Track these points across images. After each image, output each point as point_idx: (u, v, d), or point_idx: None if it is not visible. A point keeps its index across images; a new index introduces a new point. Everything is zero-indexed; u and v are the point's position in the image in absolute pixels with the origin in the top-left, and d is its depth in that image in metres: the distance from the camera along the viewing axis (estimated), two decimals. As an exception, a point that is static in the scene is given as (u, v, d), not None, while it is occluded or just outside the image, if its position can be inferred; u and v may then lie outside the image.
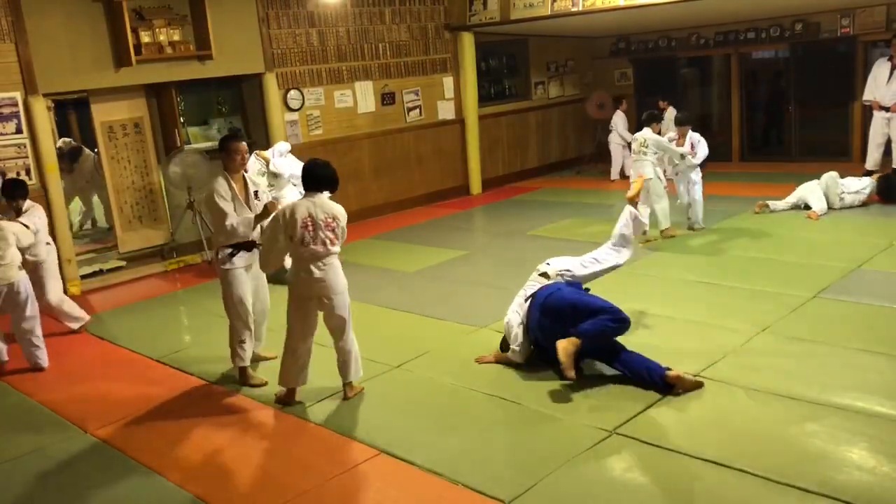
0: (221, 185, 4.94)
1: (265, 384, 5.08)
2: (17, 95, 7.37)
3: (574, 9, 9.65)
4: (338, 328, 4.69)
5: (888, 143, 9.88)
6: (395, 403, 4.65)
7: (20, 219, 5.95)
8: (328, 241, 4.53)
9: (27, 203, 6.11)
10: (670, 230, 8.09)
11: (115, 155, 8.65)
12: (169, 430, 4.67)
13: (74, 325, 6.59)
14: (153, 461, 4.25)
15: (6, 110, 7.34)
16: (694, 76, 13.51)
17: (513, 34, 11.89)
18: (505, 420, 4.38)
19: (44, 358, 5.81)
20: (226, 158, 5.01)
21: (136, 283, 8.21)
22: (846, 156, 11.43)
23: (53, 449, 4.53)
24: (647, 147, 8.01)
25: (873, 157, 10.03)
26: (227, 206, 4.91)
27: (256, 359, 5.42)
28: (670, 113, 11.61)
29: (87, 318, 6.69)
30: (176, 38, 8.31)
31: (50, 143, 7.70)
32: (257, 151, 7.87)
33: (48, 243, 6.34)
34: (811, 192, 8.78)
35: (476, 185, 11.73)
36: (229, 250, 5.00)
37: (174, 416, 4.87)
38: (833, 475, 3.55)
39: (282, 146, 7.89)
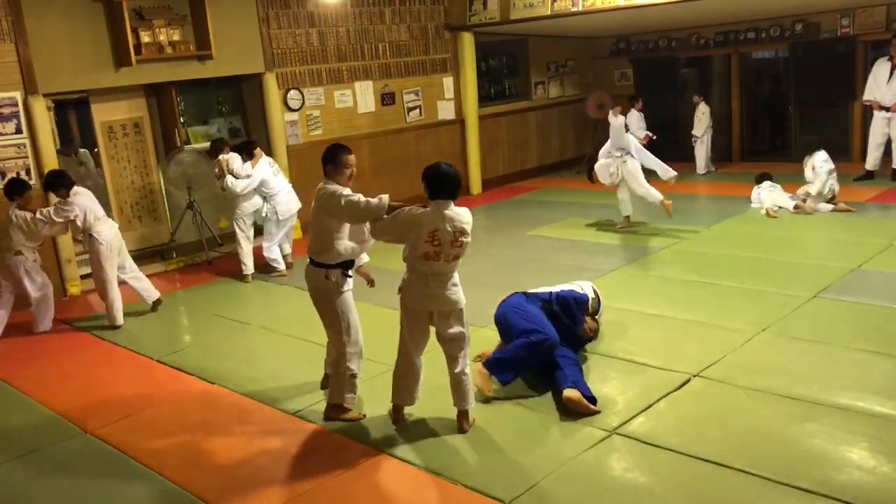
0: (338, 187, 4.33)
1: (363, 417, 4.57)
2: (17, 95, 7.37)
3: (574, 9, 9.65)
4: (451, 350, 4.26)
5: (888, 143, 9.89)
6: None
7: (48, 208, 6.52)
8: (453, 258, 4.12)
9: (73, 190, 6.47)
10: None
11: (114, 155, 8.65)
12: (169, 430, 4.67)
13: (110, 320, 6.70)
14: (153, 461, 4.25)
15: (6, 110, 7.34)
16: (694, 76, 13.50)
17: (513, 34, 11.89)
18: (505, 420, 4.38)
19: (46, 320, 6.74)
20: (333, 171, 4.38)
21: (136, 283, 8.20)
22: (846, 156, 11.40)
23: (53, 449, 4.53)
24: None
25: (873, 157, 10.04)
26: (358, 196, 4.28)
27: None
28: (702, 108, 11.65)
29: (118, 323, 6.65)
30: (176, 38, 8.31)
31: (50, 143, 7.69)
32: (221, 157, 7.84)
33: (91, 235, 6.46)
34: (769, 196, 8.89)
35: (476, 185, 11.73)
36: (339, 270, 4.42)
37: (174, 416, 4.87)
38: (833, 475, 3.55)
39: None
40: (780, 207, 8.76)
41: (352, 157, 4.44)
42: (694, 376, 4.70)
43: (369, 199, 4.21)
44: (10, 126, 7.38)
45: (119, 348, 6.23)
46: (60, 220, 6.42)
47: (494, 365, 4.56)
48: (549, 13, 9.98)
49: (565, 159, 13.43)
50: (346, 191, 4.31)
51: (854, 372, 4.61)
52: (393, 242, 4.23)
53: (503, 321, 4.96)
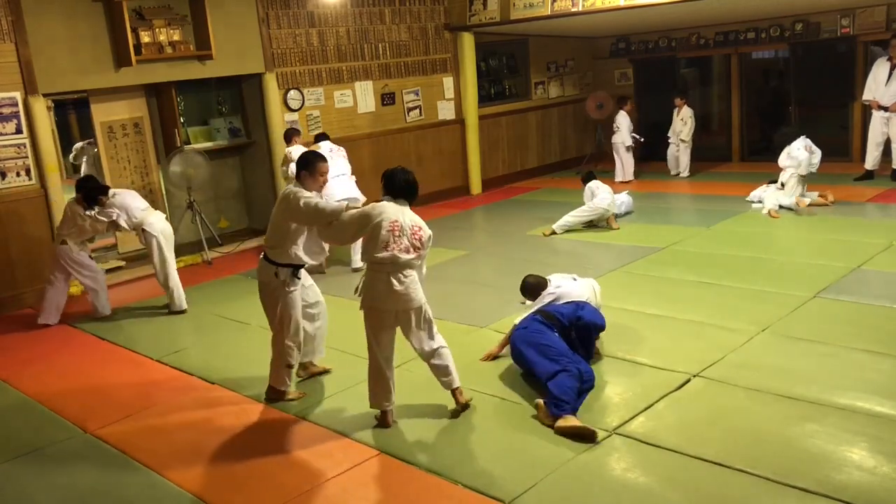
0: (303, 191, 4.49)
1: (303, 396, 4.88)
2: (17, 95, 7.37)
3: (574, 9, 9.65)
4: (419, 344, 4.36)
5: (887, 142, 9.89)
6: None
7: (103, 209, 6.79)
8: (411, 250, 4.21)
9: (110, 192, 6.81)
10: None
11: (114, 155, 8.66)
12: (169, 430, 4.67)
13: (174, 307, 6.99)
14: (153, 461, 4.25)
15: (6, 110, 7.33)
16: (694, 76, 13.51)
17: (513, 34, 11.89)
18: (505, 420, 4.38)
19: (103, 305, 7.05)
20: (308, 178, 4.54)
21: (136, 283, 8.21)
22: (846, 156, 11.43)
23: (53, 449, 4.53)
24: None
25: (873, 157, 10.06)
26: (322, 202, 4.47)
27: (313, 373, 5.17)
28: (685, 112, 11.61)
29: (183, 307, 6.98)
30: (176, 38, 8.31)
31: (50, 142, 7.70)
32: (287, 149, 7.98)
33: (143, 229, 6.79)
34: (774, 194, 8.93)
35: (476, 185, 11.73)
36: (290, 269, 4.64)
37: (174, 416, 4.87)
38: (833, 475, 3.55)
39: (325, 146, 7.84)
40: (781, 207, 8.77)
41: (326, 166, 4.67)
42: (694, 376, 4.70)
43: (327, 203, 4.48)
44: (10, 126, 7.38)
45: (119, 348, 6.23)
46: (104, 218, 6.75)
47: (558, 406, 4.21)
48: (549, 13, 9.97)
49: (565, 159, 13.44)
50: (307, 194, 4.49)
51: (854, 372, 4.61)
52: (348, 241, 4.48)
53: (523, 347, 4.73)
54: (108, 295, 7.12)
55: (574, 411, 4.19)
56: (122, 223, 6.77)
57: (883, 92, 9.77)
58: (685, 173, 11.71)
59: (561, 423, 4.12)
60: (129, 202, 6.80)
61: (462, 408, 4.47)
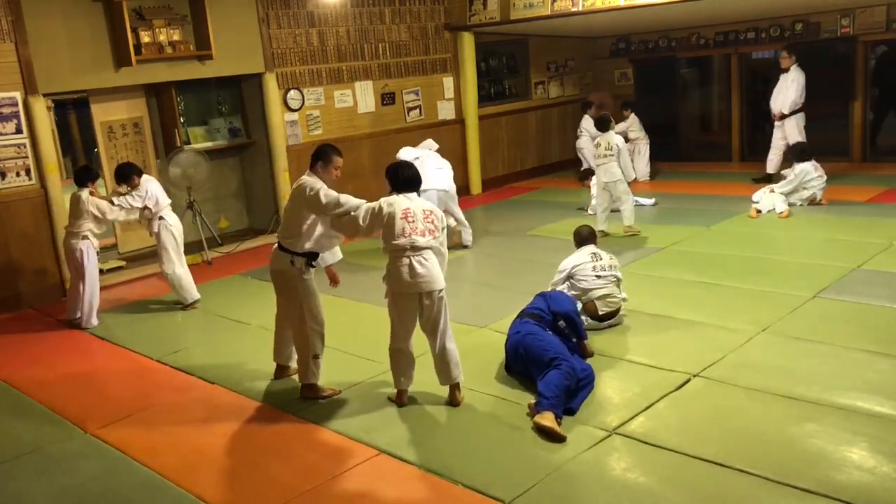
0: (320, 182, 4.58)
1: (339, 393, 4.87)
2: (17, 95, 7.37)
3: (574, 9, 9.65)
4: (434, 328, 4.49)
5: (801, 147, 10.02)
6: (395, 403, 4.65)
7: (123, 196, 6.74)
8: (428, 232, 4.38)
9: (143, 177, 6.77)
10: (633, 228, 8.32)
11: (114, 155, 8.65)
12: (169, 430, 4.67)
13: (186, 300, 7.03)
14: (153, 461, 4.25)
15: (6, 110, 7.33)
16: (694, 76, 13.50)
17: (513, 34, 11.89)
18: (505, 420, 4.38)
19: (87, 320, 6.71)
20: (322, 169, 4.64)
21: (136, 283, 8.21)
22: (846, 156, 11.43)
23: (53, 449, 4.53)
24: (611, 150, 8.29)
25: (773, 161, 10.49)
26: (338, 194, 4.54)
27: (293, 373, 5.13)
28: (632, 120, 11.67)
29: (196, 296, 7.02)
30: (176, 38, 8.31)
31: (50, 142, 7.69)
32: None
33: (161, 218, 6.77)
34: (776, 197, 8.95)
35: (476, 185, 11.72)
36: (304, 258, 4.68)
37: (174, 416, 4.88)
38: (833, 475, 3.55)
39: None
40: (792, 204, 8.81)
41: (341, 160, 4.71)
42: (694, 376, 4.70)
43: (348, 197, 4.53)
44: (10, 126, 7.37)
45: (119, 348, 6.23)
46: (138, 205, 6.68)
47: (557, 406, 4.24)
48: (549, 13, 9.97)
49: (565, 159, 13.41)
50: (326, 187, 4.56)
51: (854, 372, 4.61)
52: (362, 234, 4.53)
53: (520, 350, 4.76)
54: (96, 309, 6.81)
55: (554, 408, 4.19)
56: (151, 206, 6.69)
57: (775, 102, 10.18)
58: (643, 174, 11.61)
59: (537, 418, 4.17)
60: (158, 191, 6.77)
61: (453, 404, 4.58)
